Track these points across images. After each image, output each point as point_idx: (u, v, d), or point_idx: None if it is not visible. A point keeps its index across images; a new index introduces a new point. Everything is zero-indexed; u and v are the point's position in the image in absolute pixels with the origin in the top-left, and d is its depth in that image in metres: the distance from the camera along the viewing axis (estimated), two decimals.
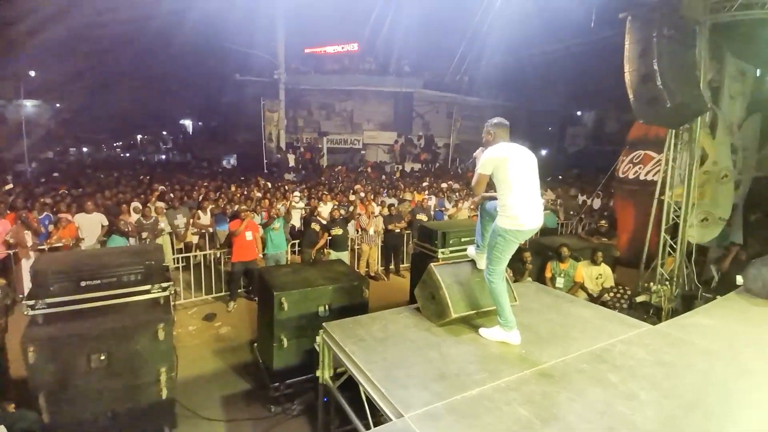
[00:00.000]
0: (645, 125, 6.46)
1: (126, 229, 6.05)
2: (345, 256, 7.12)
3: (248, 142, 17.97)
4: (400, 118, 21.64)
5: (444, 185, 12.30)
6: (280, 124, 16.86)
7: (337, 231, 7.01)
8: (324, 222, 7.21)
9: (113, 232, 5.94)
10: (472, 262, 3.61)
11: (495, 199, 3.10)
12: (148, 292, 3.25)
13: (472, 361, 2.81)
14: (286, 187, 11.09)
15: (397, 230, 7.95)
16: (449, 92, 20.49)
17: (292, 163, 16.72)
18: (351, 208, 7.52)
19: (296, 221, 7.89)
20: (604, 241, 6.61)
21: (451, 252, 5.02)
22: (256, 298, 6.16)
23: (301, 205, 8.78)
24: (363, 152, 20.02)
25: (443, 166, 21.17)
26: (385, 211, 9.23)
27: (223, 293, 6.57)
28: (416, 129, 21.42)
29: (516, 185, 2.88)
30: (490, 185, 3.03)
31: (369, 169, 18.04)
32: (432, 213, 10.58)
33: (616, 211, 7.71)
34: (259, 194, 9.80)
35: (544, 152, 25.24)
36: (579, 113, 24.34)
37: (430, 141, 20.99)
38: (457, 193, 11.58)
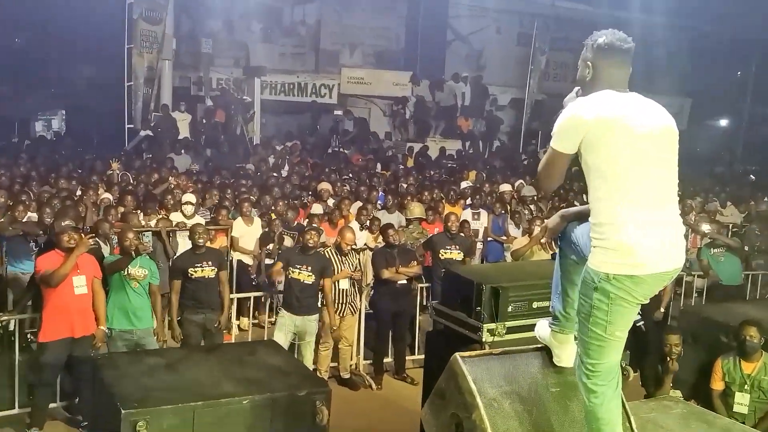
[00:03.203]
0: None
1: None
2: (311, 323, 7.48)
3: (94, 86, 18.12)
4: (420, 43, 22.22)
5: (506, 188, 12.48)
6: (163, 50, 17.19)
7: (300, 274, 7.40)
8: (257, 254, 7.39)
9: None
10: (545, 351, 3.69)
11: (584, 217, 3.19)
12: None
13: None
14: (171, 184, 11.34)
15: (402, 281, 8.14)
16: None
17: (184, 133, 17.01)
18: (311, 234, 7.70)
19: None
20: None
21: (511, 330, 5.08)
22: (86, 424, 6.27)
23: (199, 222, 9.01)
24: (339, 114, 20.50)
25: (508, 147, 21.58)
26: (375, 240, 9.37)
27: (16, 410, 6.62)
28: (453, 67, 21.94)
29: (628, 183, 2.96)
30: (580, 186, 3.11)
31: (347, 150, 18.29)
32: (479, 245, 10.97)
33: None
34: (108, 196, 10.05)
35: (724, 122, 25.74)
36: None
37: (480, 93, 21.43)
38: (533, 207, 11.76)
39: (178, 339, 7.06)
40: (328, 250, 7.95)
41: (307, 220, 9.82)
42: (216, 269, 7.23)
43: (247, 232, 9.37)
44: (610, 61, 3.07)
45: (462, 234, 9.24)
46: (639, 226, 2.94)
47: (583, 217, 3.22)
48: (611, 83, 3.06)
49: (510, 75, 22.26)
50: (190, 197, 9.54)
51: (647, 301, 3.16)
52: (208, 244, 7.48)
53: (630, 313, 3.09)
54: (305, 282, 7.38)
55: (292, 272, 7.38)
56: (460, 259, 8.75)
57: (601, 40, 3.08)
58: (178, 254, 8.08)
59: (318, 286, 7.49)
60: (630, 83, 3.14)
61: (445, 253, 8.71)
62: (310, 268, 7.40)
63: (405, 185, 12.86)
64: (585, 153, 2.98)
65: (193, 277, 7.09)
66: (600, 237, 3.00)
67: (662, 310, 8.12)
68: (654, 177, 2.98)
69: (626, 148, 2.93)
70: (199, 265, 7.14)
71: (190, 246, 7.35)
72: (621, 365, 3.98)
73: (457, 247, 8.82)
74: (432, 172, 15.66)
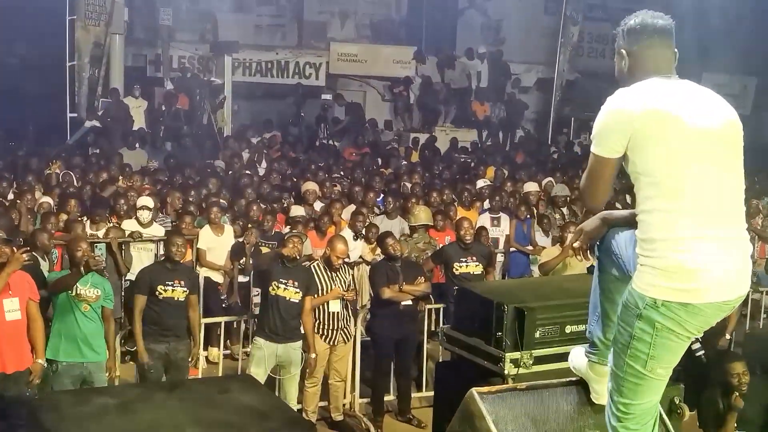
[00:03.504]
0: None
1: None
2: (296, 352, 7.49)
3: (28, 66, 18.11)
4: (425, 11, 22.16)
5: (531, 187, 12.48)
6: (113, 22, 17.21)
7: (285, 290, 7.41)
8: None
9: None
10: (581, 386, 3.72)
11: (631, 223, 3.21)
12: None
13: None
14: (124, 184, 11.30)
15: (406, 302, 8.15)
16: None
17: (139, 123, 17.02)
18: (293, 241, 7.70)
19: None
20: None
21: (539, 360, 5.11)
22: None
23: (158, 232, 8.97)
24: (327, 98, 20.56)
25: (534, 137, 21.66)
26: (373, 252, 9.35)
27: None
28: (466, 41, 21.99)
29: (687, 191, 2.99)
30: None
31: (338, 143, 18.21)
32: (499, 256, 10.89)
33: None
34: (47, 200, 10.02)
35: None
36: None
37: (499, 72, 21.46)
38: (565, 210, 11.73)
39: (148, 367, 7.06)
40: (315, 264, 7.95)
41: (288, 227, 9.83)
42: (187, 291, 7.26)
43: (217, 244, 9.35)
44: (648, 43, 3.13)
45: (475, 241, 9.25)
46: (699, 244, 2.95)
47: (629, 223, 3.23)
48: (655, 69, 3.11)
49: (536, 50, 22.32)
50: (146, 201, 9.53)
51: (700, 335, 3.19)
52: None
53: (678, 348, 3.11)
54: (292, 300, 7.40)
55: (275, 288, 7.38)
56: (480, 272, 8.76)
57: (632, 22, 3.17)
58: (145, 265, 8.08)
59: (301, 305, 7.52)
60: (680, 68, 3.18)
61: (461, 266, 8.71)
62: (296, 283, 7.42)
63: (409, 185, 12.87)
64: (632, 154, 3.01)
65: (160, 296, 7.11)
66: (650, 255, 3.01)
67: (728, 336, 8.12)
68: (717, 183, 3.01)
69: (684, 147, 2.96)
70: (170, 283, 7.17)
71: (151, 261, 7.36)
72: (674, 401, 3.97)
73: (474, 258, 8.82)
74: (441, 169, 15.67)
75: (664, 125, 2.95)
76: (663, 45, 3.14)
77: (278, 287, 7.38)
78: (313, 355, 7.61)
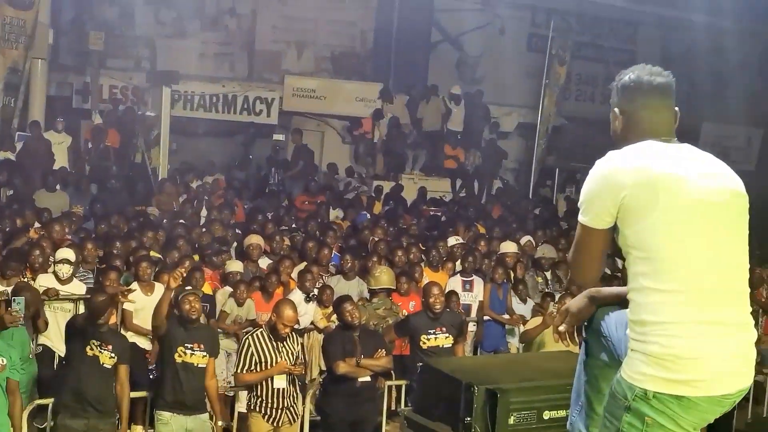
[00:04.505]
0: None
1: None
2: (206, 424, 7.47)
3: None
4: (394, 44, 22.36)
5: (509, 247, 12.59)
6: (35, 45, 17.13)
7: (192, 356, 7.41)
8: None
9: None
10: None
11: (620, 301, 3.24)
12: None
13: None
14: (34, 235, 11.15)
15: (364, 377, 8.12)
16: None
17: (62, 161, 16.88)
18: (188, 300, 7.64)
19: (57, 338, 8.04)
20: None
21: None
22: None
23: (78, 289, 8.95)
24: (280, 138, 20.70)
25: (513, 189, 21.84)
26: (328, 319, 9.34)
27: None
28: (439, 78, 22.16)
29: (683, 268, 3.02)
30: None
31: (293, 189, 18.20)
32: (471, 326, 10.80)
33: None
34: None
35: None
36: None
37: (476, 115, 21.64)
38: (549, 275, 11.77)
39: None
40: (258, 332, 7.90)
41: (225, 287, 9.81)
42: (116, 358, 7.19)
43: (146, 304, 9.19)
44: (643, 102, 3.21)
45: (450, 309, 9.27)
46: (697, 330, 2.98)
47: (621, 302, 3.25)
48: (652, 131, 3.18)
49: (518, 91, 22.61)
50: (66, 253, 9.41)
51: None
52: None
53: None
54: (200, 366, 7.40)
55: (181, 355, 7.35)
56: (451, 345, 8.75)
57: (626, 78, 3.24)
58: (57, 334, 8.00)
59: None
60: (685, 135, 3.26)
61: (429, 339, 8.69)
62: (202, 346, 7.42)
63: (370, 241, 12.87)
64: (623, 226, 3.06)
65: (87, 355, 7.04)
66: (641, 339, 3.03)
67: None
68: (718, 260, 3.04)
69: (681, 219, 3.00)
70: (98, 344, 7.10)
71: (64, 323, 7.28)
72: None
73: (444, 329, 8.81)
74: (408, 223, 15.71)
75: (658, 194, 2.99)
76: (661, 105, 3.21)
77: (184, 353, 7.36)
78: (220, 423, 7.61)
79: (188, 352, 7.38)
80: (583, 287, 3.31)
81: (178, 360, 7.37)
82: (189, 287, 8.54)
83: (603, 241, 3.11)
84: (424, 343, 8.65)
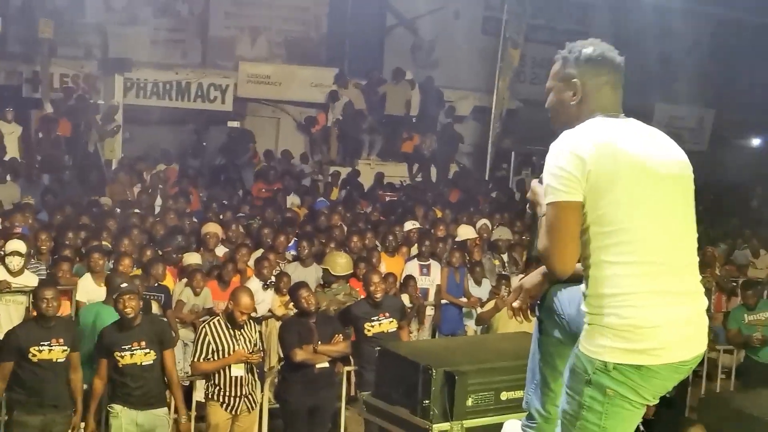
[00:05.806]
0: None
1: None
2: (161, 418, 7.38)
3: None
4: (348, 29, 22.39)
5: (466, 231, 12.68)
6: None
7: (133, 356, 7.23)
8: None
9: None
10: None
11: (577, 279, 3.23)
12: None
13: None
14: None
15: (322, 364, 8.15)
16: None
17: (12, 152, 16.76)
18: (125, 300, 7.37)
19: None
20: None
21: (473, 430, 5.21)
22: None
23: (30, 281, 8.85)
24: (234, 125, 20.64)
25: (470, 173, 21.99)
26: (285, 306, 9.33)
27: None
28: (394, 62, 22.11)
29: (639, 241, 3.07)
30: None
31: (247, 177, 18.13)
32: (429, 309, 10.99)
33: None
34: None
35: (757, 141, 26.10)
36: None
37: (431, 99, 21.71)
38: (506, 257, 11.83)
39: None
40: (215, 320, 7.86)
41: (183, 279, 9.76)
42: (68, 349, 7.12)
43: (99, 296, 9.16)
44: (604, 78, 3.23)
45: (388, 294, 9.30)
46: (653, 300, 3.02)
47: (575, 278, 3.25)
48: (603, 108, 3.20)
49: (472, 75, 22.67)
50: (17, 245, 9.25)
51: (656, 401, 3.22)
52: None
53: (632, 418, 3.15)
54: (144, 364, 7.22)
55: (121, 359, 7.12)
56: (395, 329, 8.76)
57: (589, 50, 3.23)
58: (14, 322, 7.95)
59: (160, 363, 7.36)
60: (629, 97, 3.29)
61: (372, 326, 8.65)
62: (144, 343, 7.23)
63: (327, 227, 12.88)
64: (585, 202, 3.04)
65: (34, 359, 6.95)
66: (598, 312, 3.05)
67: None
68: (671, 231, 3.09)
69: (636, 193, 3.03)
70: (45, 343, 7.00)
71: (22, 316, 7.20)
72: None
73: (387, 314, 8.80)
74: (365, 209, 15.74)
75: (619, 168, 3.02)
76: (617, 83, 3.25)
77: (123, 355, 7.13)
78: (183, 419, 7.48)
79: (126, 353, 7.15)
80: (561, 276, 3.23)
81: (120, 365, 7.17)
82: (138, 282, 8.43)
83: (578, 217, 3.05)
84: (369, 330, 8.64)
